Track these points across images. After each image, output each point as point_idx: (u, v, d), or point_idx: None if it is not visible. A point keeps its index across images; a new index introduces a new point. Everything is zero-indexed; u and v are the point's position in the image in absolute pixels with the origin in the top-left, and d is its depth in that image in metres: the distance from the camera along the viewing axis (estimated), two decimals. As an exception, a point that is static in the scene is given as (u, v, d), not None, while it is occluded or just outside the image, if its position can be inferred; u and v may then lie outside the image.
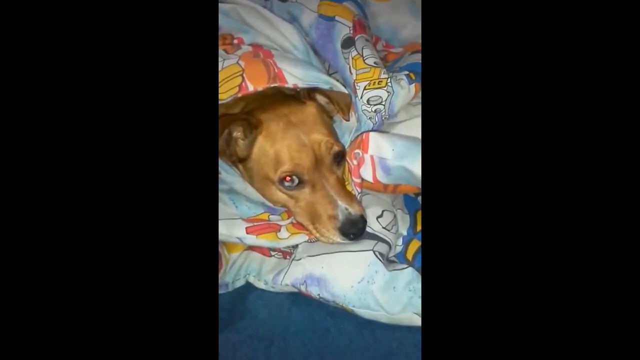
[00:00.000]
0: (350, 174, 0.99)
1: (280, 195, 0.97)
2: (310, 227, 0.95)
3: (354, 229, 0.91)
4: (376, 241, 0.91)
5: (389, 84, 1.03)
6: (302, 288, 0.89)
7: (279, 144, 0.94)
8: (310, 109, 1.00)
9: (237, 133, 0.97)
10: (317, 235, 0.94)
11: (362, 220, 0.92)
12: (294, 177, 0.94)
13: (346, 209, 0.92)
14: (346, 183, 1.01)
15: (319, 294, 0.88)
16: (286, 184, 0.94)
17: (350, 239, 0.92)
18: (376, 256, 0.87)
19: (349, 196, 0.95)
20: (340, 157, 0.98)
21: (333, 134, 1.02)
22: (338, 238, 0.92)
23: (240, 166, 1.02)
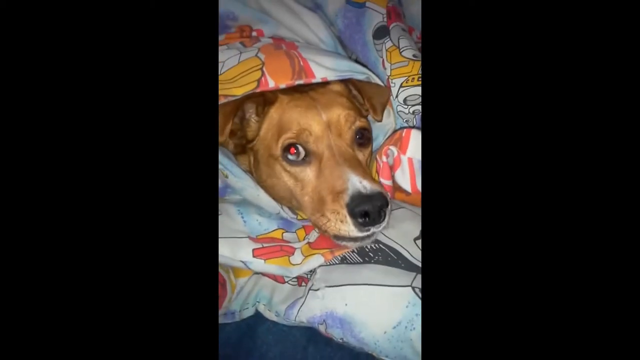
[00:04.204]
0: (378, 174, 0.84)
1: (286, 180, 0.85)
2: (318, 218, 0.79)
3: (368, 206, 0.72)
4: (415, 273, 0.74)
5: (431, 80, 0.88)
6: (322, 328, 0.75)
7: (288, 113, 0.86)
8: (334, 86, 0.91)
9: (250, 111, 0.90)
10: (324, 227, 0.78)
11: (381, 197, 0.73)
12: (299, 146, 0.83)
13: (360, 182, 0.75)
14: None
15: (342, 338, 0.73)
16: (290, 157, 0.83)
17: (364, 226, 0.74)
18: (416, 294, 0.71)
19: (367, 172, 0.81)
20: (363, 138, 0.86)
21: (359, 111, 0.90)
22: (347, 223, 0.74)
23: (251, 156, 0.93)
